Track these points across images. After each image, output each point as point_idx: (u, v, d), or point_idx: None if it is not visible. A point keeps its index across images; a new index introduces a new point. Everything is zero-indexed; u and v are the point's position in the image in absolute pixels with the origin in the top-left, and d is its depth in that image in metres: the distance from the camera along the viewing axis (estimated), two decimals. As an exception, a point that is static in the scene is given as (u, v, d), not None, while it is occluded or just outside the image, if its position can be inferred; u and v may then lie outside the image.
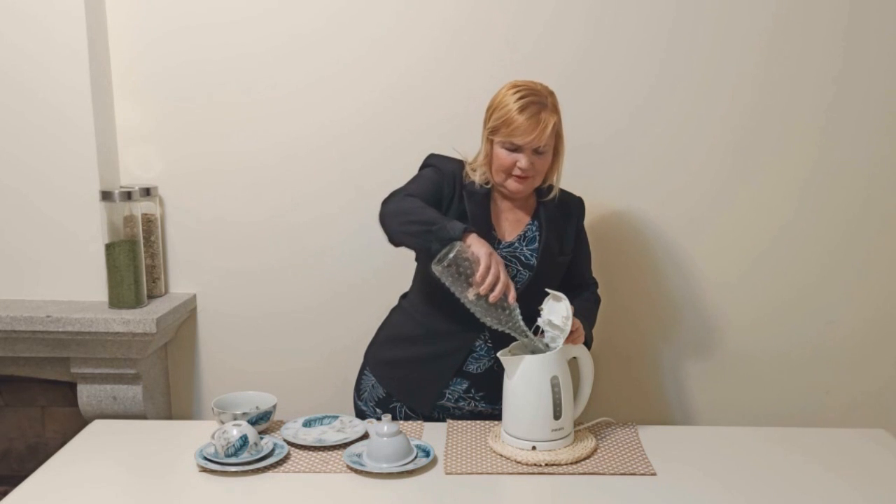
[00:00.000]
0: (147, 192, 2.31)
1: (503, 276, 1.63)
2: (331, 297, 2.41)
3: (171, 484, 1.61)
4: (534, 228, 1.91)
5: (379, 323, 2.07)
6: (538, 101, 1.77)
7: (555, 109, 1.79)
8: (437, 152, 1.95)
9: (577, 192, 2.00)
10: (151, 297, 2.35)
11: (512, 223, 1.92)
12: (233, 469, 1.62)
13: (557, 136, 1.83)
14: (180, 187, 2.37)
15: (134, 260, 2.25)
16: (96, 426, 1.90)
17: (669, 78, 2.26)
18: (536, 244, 1.89)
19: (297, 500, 1.56)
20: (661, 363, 2.42)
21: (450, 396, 1.92)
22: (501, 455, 1.71)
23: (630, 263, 2.37)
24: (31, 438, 2.39)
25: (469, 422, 1.89)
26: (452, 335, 1.88)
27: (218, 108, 2.31)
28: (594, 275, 2.08)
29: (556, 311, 1.75)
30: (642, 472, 1.64)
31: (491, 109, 1.82)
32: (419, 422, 1.89)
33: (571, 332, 1.72)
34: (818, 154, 2.29)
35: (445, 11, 2.24)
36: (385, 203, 1.82)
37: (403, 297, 2.07)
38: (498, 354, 1.72)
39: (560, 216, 1.94)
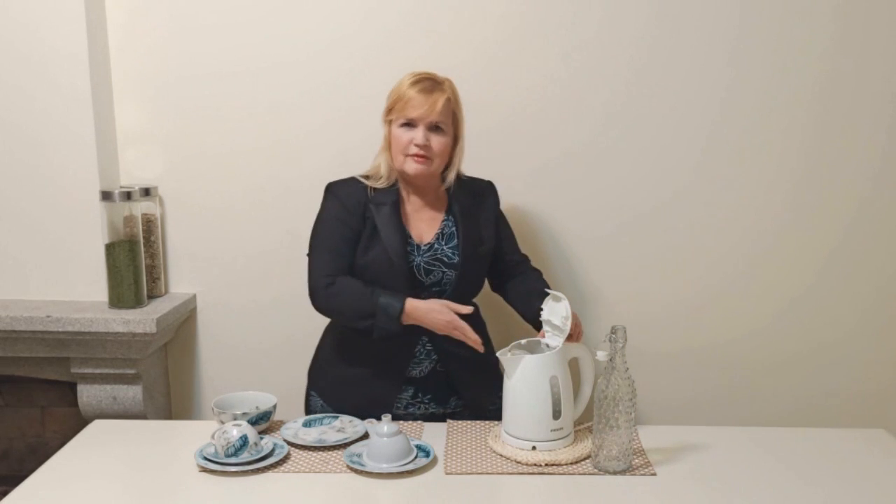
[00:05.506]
0: (147, 192, 2.31)
1: (452, 326, 1.78)
2: (331, 297, 2.40)
3: (171, 484, 1.61)
4: (450, 224, 1.91)
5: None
6: (432, 79, 1.84)
7: (451, 91, 1.85)
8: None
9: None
10: (151, 297, 2.35)
11: (427, 223, 1.91)
12: (233, 469, 1.62)
13: (456, 121, 1.86)
14: (180, 187, 2.37)
15: (134, 260, 2.25)
16: (96, 426, 1.90)
17: (668, 77, 2.26)
18: (456, 240, 1.89)
19: (297, 500, 1.56)
20: (662, 364, 2.42)
21: (398, 404, 1.93)
22: (501, 455, 1.70)
23: (628, 266, 2.36)
24: (31, 438, 2.39)
25: (469, 422, 1.89)
26: (392, 343, 1.85)
27: (218, 108, 2.32)
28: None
29: (556, 311, 1.75)
30: (642, 472, 1.64)
31: (389, 96, 1.87)
32: (419, 422, 1.89)
33: (571, 332, 1.72)
34: (816, 153, 2.29)
35: (447, 15, 2.24)
36: (315, 293, 1.85)
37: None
38: (497, 354, 1.72)
39: (473, 205, 1.94)
